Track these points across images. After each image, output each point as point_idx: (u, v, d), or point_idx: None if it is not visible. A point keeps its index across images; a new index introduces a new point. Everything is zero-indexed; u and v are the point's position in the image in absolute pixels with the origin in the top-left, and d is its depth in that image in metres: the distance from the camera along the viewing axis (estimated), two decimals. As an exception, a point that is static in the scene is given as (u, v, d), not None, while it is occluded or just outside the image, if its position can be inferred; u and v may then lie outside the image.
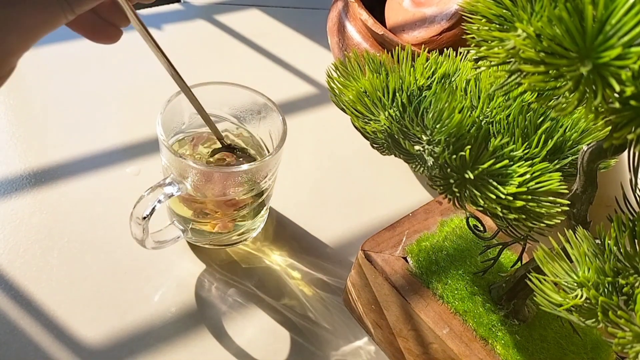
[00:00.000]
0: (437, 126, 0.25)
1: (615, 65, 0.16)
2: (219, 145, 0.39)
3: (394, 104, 0.27)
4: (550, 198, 0.23)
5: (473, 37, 0.22)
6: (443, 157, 0.24)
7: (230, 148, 0.39)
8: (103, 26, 0.28)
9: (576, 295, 0.21)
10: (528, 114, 0.27)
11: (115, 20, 0.28)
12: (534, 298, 0.23)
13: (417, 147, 0.26)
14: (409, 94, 0.27)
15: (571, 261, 0.22)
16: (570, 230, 0.23)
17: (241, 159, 0.39)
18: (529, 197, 0.23)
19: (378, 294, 0.35)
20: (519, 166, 0.24)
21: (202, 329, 0.37)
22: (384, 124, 0.27)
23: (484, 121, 0.27)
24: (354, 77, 0.29)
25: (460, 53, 0.30)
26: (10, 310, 0.35)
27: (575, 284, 0.21)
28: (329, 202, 0.47)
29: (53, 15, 0.23)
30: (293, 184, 0.48)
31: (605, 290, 0.20)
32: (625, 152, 0.21)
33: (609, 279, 0.20)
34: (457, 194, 0.24)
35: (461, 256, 0.35)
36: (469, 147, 0.24)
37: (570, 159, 0.27)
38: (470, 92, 0.28)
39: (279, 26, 0.67)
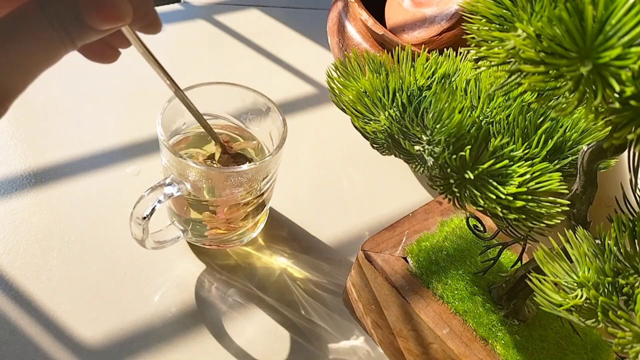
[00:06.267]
0: (437, 126, 0.25)
1: (615, 65, 0.16)
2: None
3: (394, 104, 0.27)
4: (550, 198, 0.23)
5: (473, 37, 0.22)
6: (443, 157, 0.24)
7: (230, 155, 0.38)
8: (100, 47, 0.26)
9: (576, 296, 0.21)
10: (528, 114, 0.27)
11: (114, 42, 0.27)
12: (534, 298, 0.23)
13: (417, 147, 0.26)
14: (409, 94, 0.27)
15: (571, 261, 0.22)
16: (570, 230, 0.23)
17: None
18: (529, 197, 0.23)
19: (378, 294, 0.35)
20: (519, 166, 0.24)
21: (202, 329, 0.37)
22: (384, 124, 0.27)
23: (484, 121, 0.27)
24: (354, 77, 0.29)
25: (460, 53, 0.30)
26: (10, 310, 0.35)
27: (575, 284, 0.21)
28: (329, 202, 0.47)
29: (54, 51, 0.22)
30: (293, 184, 0.48)
31: (605, 290, 0.20)
32: (625, 152, 0.21)
33: (609, 279, 0.20)
34: (457, 194, 0.24)
35: (461, 256, 0.35)
36: (469, 147, 0.24)
37: (570, 159, 0.27)
38: (470, 92, 0.28)
39: (279, 26, 0.67)
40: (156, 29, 0.26)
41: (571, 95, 0.18)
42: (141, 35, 0.27)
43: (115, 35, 0.26)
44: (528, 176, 0.24)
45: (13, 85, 0.21)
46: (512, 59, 0.20)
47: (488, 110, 0.27)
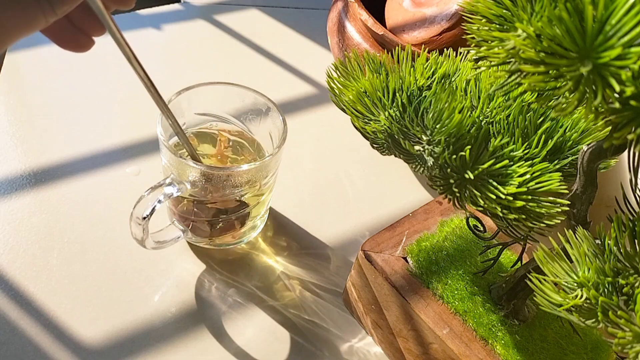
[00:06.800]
0: (437, 126, 0.25)
1: (615, 65, 0.16)
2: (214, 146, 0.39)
3: (394, 104, 0.27)
4: (550, 198, 0.23)
5: (473, 37, 0.22)
6: (443, 157, 0.24)
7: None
8: (73, 33, 0.26)
9: (576, 296, 0.21)
10: (528, 114, 0.27)
11: (87, 28, 0.26)
12: (534, 298, 0.23)
13: (417, 147, 0.26)
14: (409, 94, 0.27)
15: (571, 261, 0.22)
16: (570, 230, 0.23)
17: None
18: (529, 197, 0.23)
19: (378, 294, 0.35)
20: (519, 166, 0.24)
21: (202, 329, 0.37)
22: (384, 124, 0.27)
23: (484, 121, 0.27)
24: (354, 77, 0.29)
25: (460, 53, 0.30)
26: (10, 310, 0.35)
27: (575, 284, 0.21)
28: (329, 202, 0.47)
29: (34, 18, 0.21)
30: (293, 184, 0.48)
31: (605, 290, 0.20)
32: (625, 152, 0.21)
33: (609, 279, 0.20)
34: (457, 194, 0.24)
35: (461, 256, 0.35)
36: (469, 147, 0.24)
37: (570, 159, 0.27)
38: (470, 92, 0.28)
39: (279, 26, 0.67)
40: (129, 2, 0.25)
41: (571, 95, 0.18)
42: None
43: (88, 20, 0.26)
44: (528, 176, 0.24)
45: None
46: (512, 59, 0.20)
47: (488, 110, 0.27)
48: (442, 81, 0.29)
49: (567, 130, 0.27)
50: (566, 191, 0.24)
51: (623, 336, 0.19)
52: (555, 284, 0.22)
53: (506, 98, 0.28)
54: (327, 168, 0.51)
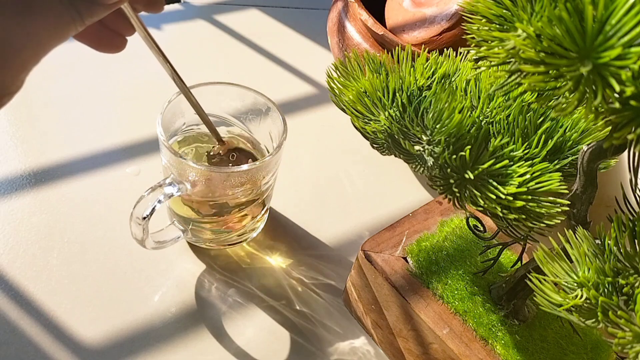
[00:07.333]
0: (437, 126, 0.25)
1: (615, 65, 0.16)
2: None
3: (394, 104, 0.27)
4: (550, 198, 0.23)
5: (473, 37, 0.22)
6: (443, 157, 0.24)
7: (233, 150, 0.39)
8: (109, 35, 0.27)
9: (576, 296, 0.21)
10: (528, 114, 0.27)
11: (120, 29, 0.28)
12: (534, 298, 0.23)
13: (417, 147, 0.26)
14: (409, 94, 0.27)
15: (571, 261, 0.22)
16: (570, 230, 0.23)
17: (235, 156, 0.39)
18: (529, 197, 0.23)
19: (378, 294, 0.35)
20: (519, 166, 0.24)
21: (202, 329, 0.37)
22: (384, 124, 0.27)
23: (484, 121, 0.27)
24: (354, 77, 0.29)
25: (460, 53, 0.30)
26: (10, 310, 0.35)
27: (575, 284, 0.21)
28: (329, 202, 0.47)
29: (64, 27, 0.23)
30: (293, 184, 0.48)
31: (605, 290, 0.20)
32: (625, 152, 0.21)
33: (609, 279, 0.20)
34: (457, 194, 0.24)
35: (461, 256, 0.35)
36: (469, 147, 0.24)
37: (570, 159, 0.27)
38: (470, 92, 0.28)
39: (279, 26, 0.67)
40: (158, 7, 0.27)
41: (571, 95, 0.18)
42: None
43: (121, 21, 0.27)
44: (528, 176, 0.24)
45: (28, 58, 0.22)
46: (512, 59, 0.20)
47: (488, 110, 0.27)
48: (442, 81, 0.29)
49: (567, 130, 0.27)
50: (566, 191, 0.24)
51: (623, 336, 0.19)
52: (555, 284, 0.22)
53: (506, 98, 0.28)
54: (327, 168, 0.51)
